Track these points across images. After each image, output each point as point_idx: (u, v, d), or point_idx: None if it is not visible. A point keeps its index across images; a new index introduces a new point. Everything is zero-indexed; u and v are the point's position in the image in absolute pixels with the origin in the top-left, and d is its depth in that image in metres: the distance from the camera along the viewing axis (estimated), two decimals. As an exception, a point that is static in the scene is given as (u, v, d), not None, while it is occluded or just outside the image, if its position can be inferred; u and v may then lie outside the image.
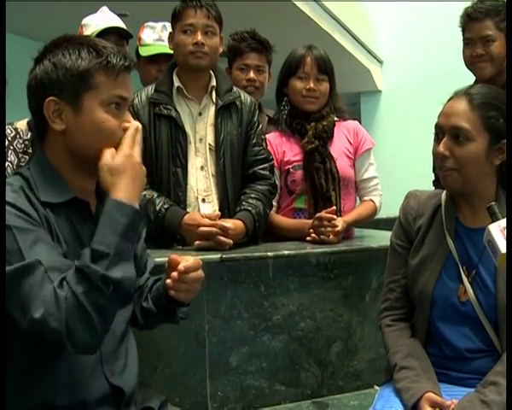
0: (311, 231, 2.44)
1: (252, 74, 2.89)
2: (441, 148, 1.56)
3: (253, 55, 2.90)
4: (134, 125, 1.35)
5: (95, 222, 1.35)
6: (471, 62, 2.60)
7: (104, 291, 1.19)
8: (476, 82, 2.61)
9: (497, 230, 1.38)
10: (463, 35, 2.62)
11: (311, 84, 2.57)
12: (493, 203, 1.44)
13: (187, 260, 1.44)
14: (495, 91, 1.64)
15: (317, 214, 2.44)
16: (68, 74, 1.32)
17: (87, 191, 1.41)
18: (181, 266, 1.41)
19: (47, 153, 1.38)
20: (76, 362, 1.33)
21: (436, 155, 1.59)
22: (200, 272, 1.46)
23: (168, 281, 1.45)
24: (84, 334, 1.19)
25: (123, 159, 1.30)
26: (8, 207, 1.23)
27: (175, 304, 1.51)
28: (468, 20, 2.58)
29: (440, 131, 1.59)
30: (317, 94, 2.59)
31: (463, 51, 2.63)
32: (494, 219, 1.41)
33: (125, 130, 1.35)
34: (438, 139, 1.60)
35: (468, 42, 2.60)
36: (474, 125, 1.54)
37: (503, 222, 1.39)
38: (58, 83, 1.32)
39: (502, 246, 1.36)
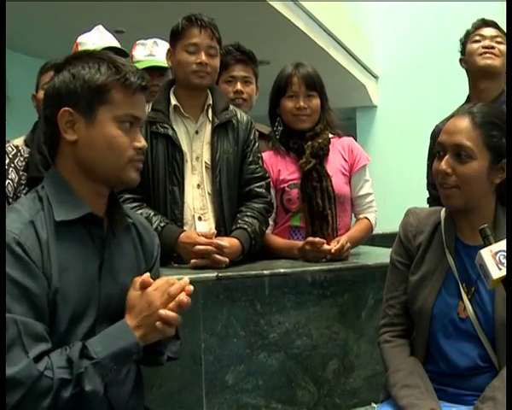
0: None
1: (239, 86, 2.88)
2: (443, 165, 1.56)
3: (238, 66, 2.90)
4: (184, 284, 1.38)
5: (104, 244, 1.39)
6: (479, 53, 2.62)
7: (72, 389, 1.22)
8: (475, 79, 2.64)
9: (488, 255, 1.39)
10: (473, 35, 2.67)
11: (301, 103, 2.56)
12: (485, 226, 1.44)
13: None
14: (497, 110, 1.66)
15: (309, 239, 2.41)
16: (86, 86, 1.34)
17: (99, 206, 1.42)
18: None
19: (59, 166, 1.39)
20: None
21: (437, 172, 1.59)
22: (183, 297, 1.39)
23: None
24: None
25: (157, 313, 1.34)
26: (8, 249, 1.23)
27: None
28: (483, 24, 2.68)
29: (442, 149, 1.59)
30: (308, 111, 2.58)
31: (471, 47, 2.65)
32: (486, 242, 1.42)
33: (136, 149, 1.37)
34: (439, 157, 1.60)
35: (478, 39, 2.64)
36: (477, 144, 1.55)
37: (495, 247, 1.39)
38: (75, 94, 1.34)
39: (493, 272, 1.37)
